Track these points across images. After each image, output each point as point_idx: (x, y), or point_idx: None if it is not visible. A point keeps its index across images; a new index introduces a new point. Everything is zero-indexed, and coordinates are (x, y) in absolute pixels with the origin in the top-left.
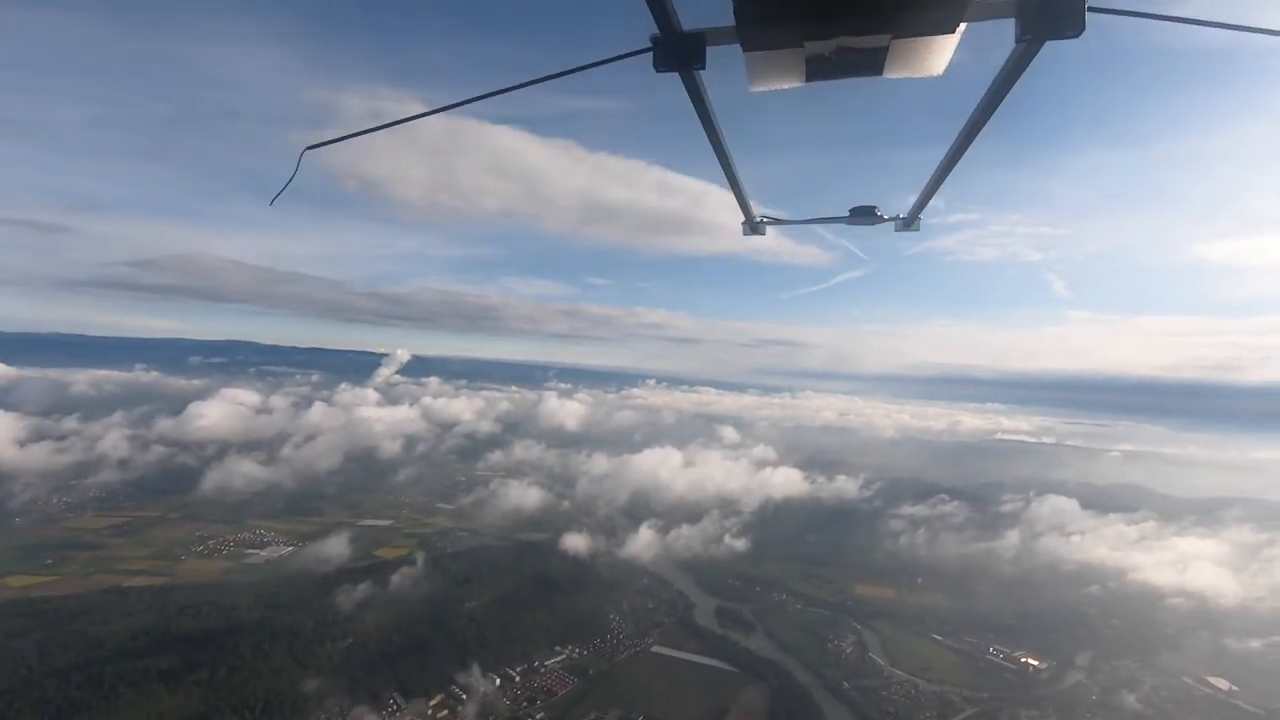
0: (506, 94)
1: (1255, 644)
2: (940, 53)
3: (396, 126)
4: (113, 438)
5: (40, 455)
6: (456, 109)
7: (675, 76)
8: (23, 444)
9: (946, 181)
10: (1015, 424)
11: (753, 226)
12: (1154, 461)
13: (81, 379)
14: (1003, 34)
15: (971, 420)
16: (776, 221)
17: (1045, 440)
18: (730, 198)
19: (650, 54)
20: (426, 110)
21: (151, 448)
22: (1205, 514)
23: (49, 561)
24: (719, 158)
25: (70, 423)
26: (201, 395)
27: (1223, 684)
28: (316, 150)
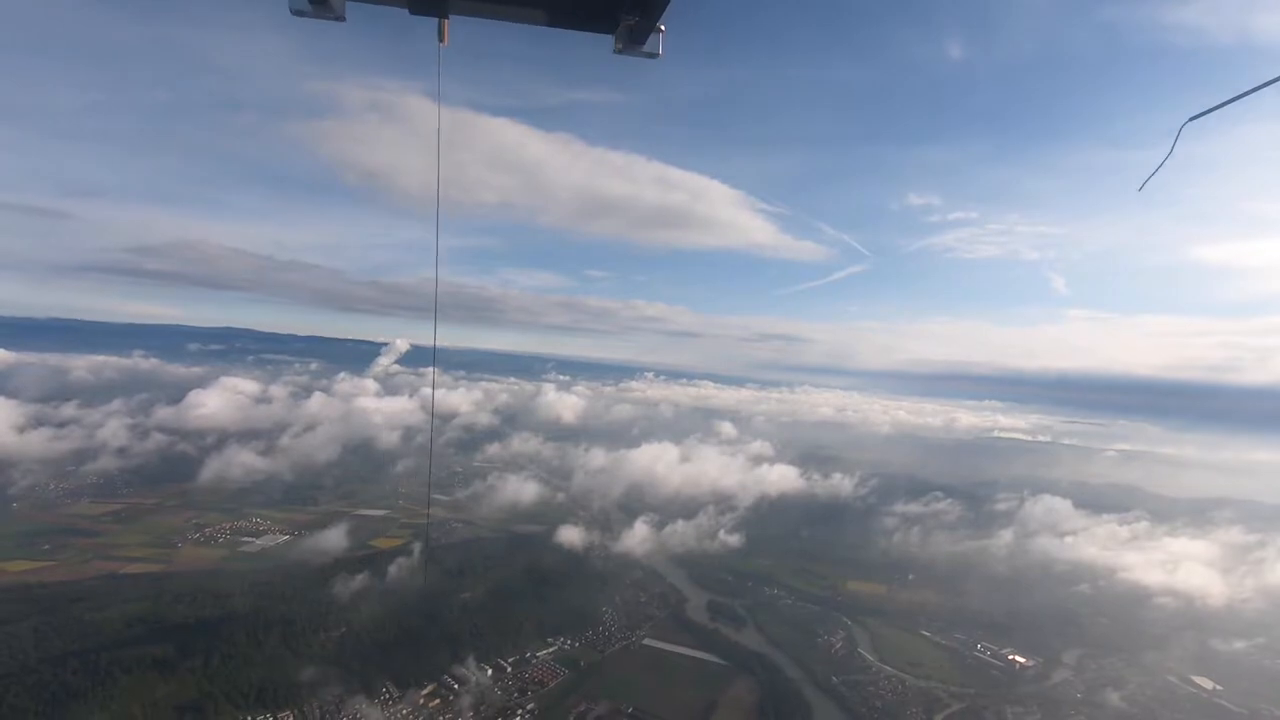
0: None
1: (1240, 645)
2: None
3: None
4: (111, 425)
5: (39, 441)
6: None
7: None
8: (21, 430)
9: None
10: (1012, 422)
11: None
12: (1149, 461)
13: (80, 365)
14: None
15: (968, 417)
16: None
17: (1041, 439)
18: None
19: None
20: None
21: (150, 435)
22: (1197, 515)
23: (46, 547)
24: None
25: (69, 409)
26: (200, 383)
27: (1207, 683)
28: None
